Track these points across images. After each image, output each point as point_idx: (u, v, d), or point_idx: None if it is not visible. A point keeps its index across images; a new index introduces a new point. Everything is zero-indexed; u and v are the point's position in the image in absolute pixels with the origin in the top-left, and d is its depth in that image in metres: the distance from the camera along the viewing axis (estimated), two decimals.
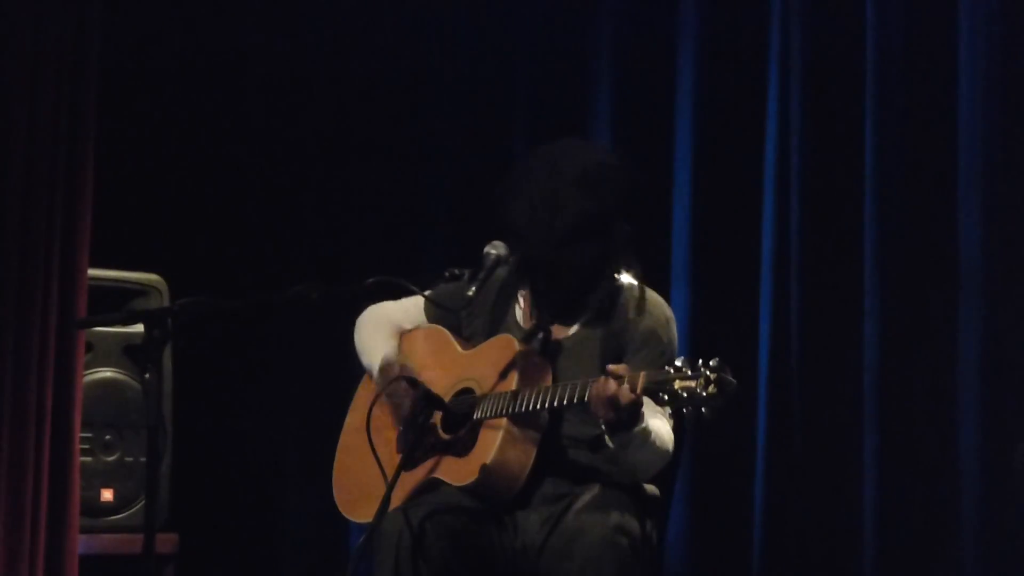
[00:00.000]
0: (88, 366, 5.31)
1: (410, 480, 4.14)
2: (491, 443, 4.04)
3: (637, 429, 3.91)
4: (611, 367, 3.86)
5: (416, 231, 6.06)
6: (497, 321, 4.27)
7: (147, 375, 3.81)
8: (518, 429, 4.05)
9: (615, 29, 5.79)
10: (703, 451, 5.34)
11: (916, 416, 5.09)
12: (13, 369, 5.09)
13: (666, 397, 3.74)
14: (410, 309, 4.41)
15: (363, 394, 4.38)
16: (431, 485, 4.13)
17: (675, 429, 4.07)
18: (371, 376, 4.33)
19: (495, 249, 4.20)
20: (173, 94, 6.07)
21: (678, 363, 3.76)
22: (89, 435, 5.30)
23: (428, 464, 4.16)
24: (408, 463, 4.09)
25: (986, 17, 5.06)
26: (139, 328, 3.88)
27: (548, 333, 4.20)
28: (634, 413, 3.86)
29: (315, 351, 5.91)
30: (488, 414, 4.08)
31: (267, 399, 6.10)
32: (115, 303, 5.35)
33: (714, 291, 5.50)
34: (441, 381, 4.18)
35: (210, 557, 5.83)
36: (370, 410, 4.18)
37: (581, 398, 3.92)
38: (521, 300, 4.29)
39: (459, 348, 4.27)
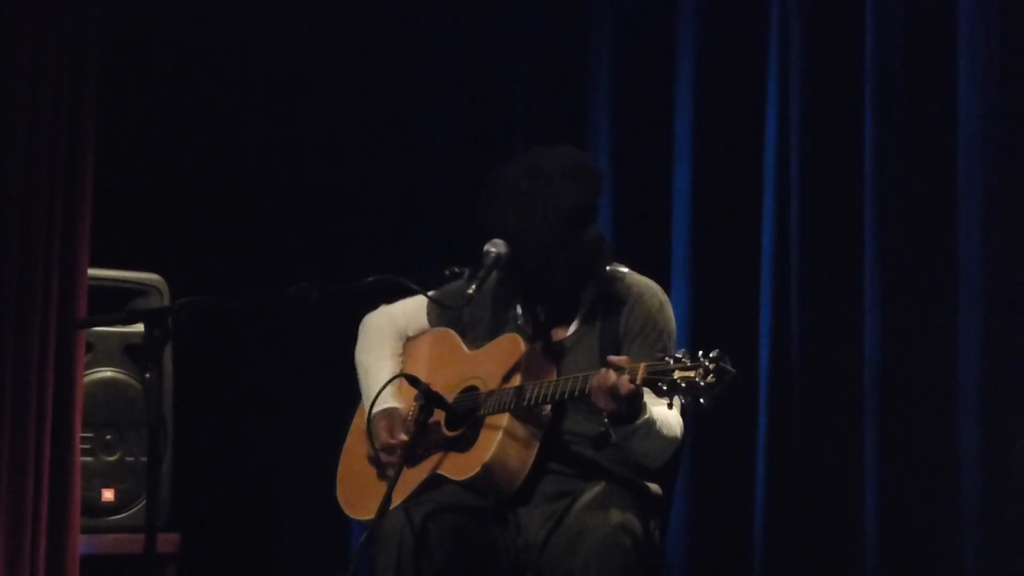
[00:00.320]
0: (88, 366, 5.31)
1: (413, 477, 4.15)
2: (492, 438, 4.05)
3: (640, 421, 3.92)
4: (611, 358, 3.88)
5: (416, 230, 6.06)
6: (499, 322, 4.28)
7: (147, 375, 3.80)
8: (520, 425, 4.07)
9: (614, 29, 5.79)
10: (704, 448, 5.35)
11: (916, 412, 5.09)
12: (13, 369, 5.08)
13: (665, 387, 3.75)
14: (413, 311, 4.42)
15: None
16: (434, 482, 4.13)
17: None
18: (363, 399, 4.35)
19: (495, 247, 4.19)
20: (172, 94, 6.08)
21: (678, 354, 3.77)
22: (90, 435, 5.29)
23: (431, 461, 4.17)
24: (409, 458, 4.10)
25: (985, 15, 5.06)
26: (139, 328, 3.88)
27: (548, 339, 4.22)
28: (635, 404, 3.88)
29: (315, 350, 5.91)
30: (491, 410, 4.09)
31: (268, 398, 6.10)
32: (115, 303, 5.34)
33: (714, 289, 5.51)
34: (447, 380, 4.20)
35: (211, 557, 5.83)
36: (369, 412, 4.20)
37: (583, 390, 3.93)
38: (520, 304, 4.30)
39: (465, 349, 4.29)
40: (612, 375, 3.84)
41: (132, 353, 5.38)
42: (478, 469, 4.04)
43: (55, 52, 5.17)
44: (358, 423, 4.40)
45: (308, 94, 6.15)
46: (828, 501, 5.23)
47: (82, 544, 5.18)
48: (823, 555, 5.24)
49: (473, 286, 4.15)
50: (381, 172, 6.12)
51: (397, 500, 4.05)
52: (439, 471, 4.13)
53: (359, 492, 4.28)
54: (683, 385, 3.73)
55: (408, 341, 4.42)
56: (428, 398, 4.10)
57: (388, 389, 4.24)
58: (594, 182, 4.18)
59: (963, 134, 5.08)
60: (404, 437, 4.15)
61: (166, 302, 5.33)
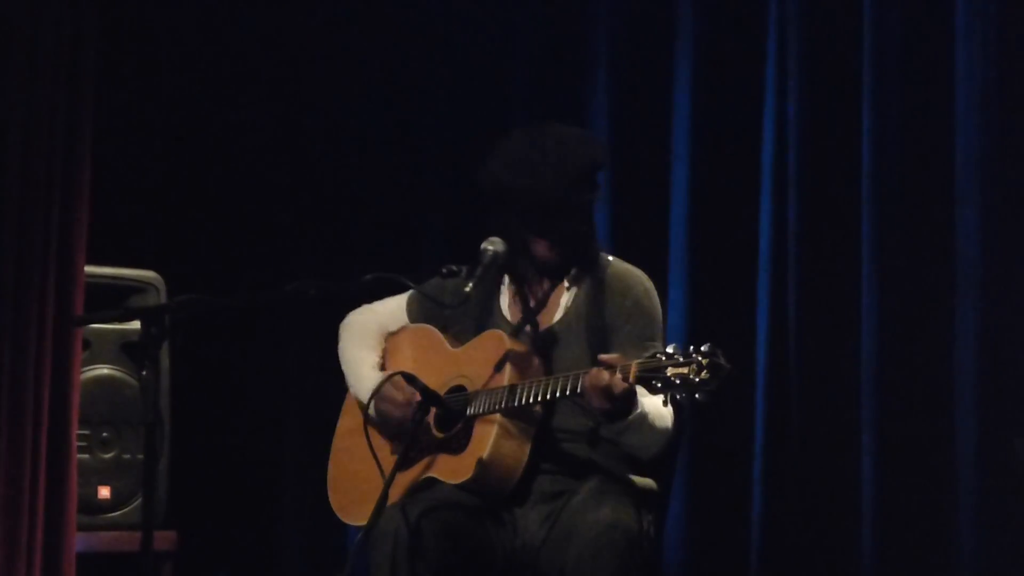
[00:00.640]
0: (85, 363, 5.31)
1: (406, 480, 4.14)
2: (486, 439, 4.04)
3: (633, 416, 3.92)
4: (603, 357, 3.87)
5: (414, 228, 6.06)
6: (484, 316, 4.27)
7: (144, 372, 3.80)
8: (512, 424, 4.06)
9: (612, 25, 5.79)
10: (701, 446, 5.35)
11: (913, 411, 5.09)
12: (10, 366, 5.08)
13: (659, 384, 3.75)
14: (394, 309, 4.41)
15: (353, 398, 4.39)
16: (427, 484, 4.13)
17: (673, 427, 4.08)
18: (354, 395, 4.33)
19: (492, 245, 4.20)
20: (170, 91, 6.07)
21: (670, 349, 3.76)
22: (86, 432, 5.29)
23: (423, 463, 4.16)
24: (404, 462, 4.09)
25: (983, 13, 5.06)
26: (136, 325, 3.88)
27: (536, 324, 4.20)
28: (629, 402, 3.88)
29: (313, 348, 5.91)
30: (481, 410, 4.08)
31: (265, 396, 6.10)
32: (112, 300, 5.34)
33: (712, 288, 5.50)
34: (432, 380, 4.17)
35: (208, 554, 5.83)
36: (365, 419, 4.19)
37: (574, 389, 3.92)
38: (506, 292, 4.29)
39: (448, 346, 4.28)
40: (605, 374, 3.84)
41: (129, 351, 5.38)
42: (473, 473, 4.03)
43: (53, 49, 5.17)
44: (346, 423, 4.39)
45: (305, 91, 6.15)
46: (825, 498, 5.22)
47: (79, 541, 5.18)
48: (820, 552, 5.23)
49: (471, 284, 4.15)
50: (379, 169, 6.11)
51: (391, 502, 4.03)
52: (433, 474, 4.12)
53: (353, 497, 4.27)
54: (677, 382, 3.73)
55: (388, 338, 4.40)
56: (426, 397, 4.09)
57: (369, 385, 4.23)
58: (599, 150, 4.22)
59: (960, 132, 5.08)
60: (418, 397, 4.11)
61: (163, 300, 5.33)
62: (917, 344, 5.11)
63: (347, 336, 4.43)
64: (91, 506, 5.28)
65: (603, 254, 4.28)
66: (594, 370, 3.87)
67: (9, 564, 5.04)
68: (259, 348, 6.10)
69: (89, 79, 5.24)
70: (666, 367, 3.75)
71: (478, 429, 4.09)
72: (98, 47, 5.27)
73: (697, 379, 3.71)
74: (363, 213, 6.11)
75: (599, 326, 4.16)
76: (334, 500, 4.35)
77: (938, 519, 5.03)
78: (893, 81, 5.20)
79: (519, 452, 4.06)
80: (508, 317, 4.25)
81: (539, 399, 4.00)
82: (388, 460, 4.17)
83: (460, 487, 4.07)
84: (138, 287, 5.42)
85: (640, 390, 3.86)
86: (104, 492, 5.32)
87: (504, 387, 4.06)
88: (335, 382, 4.44)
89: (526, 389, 4.02)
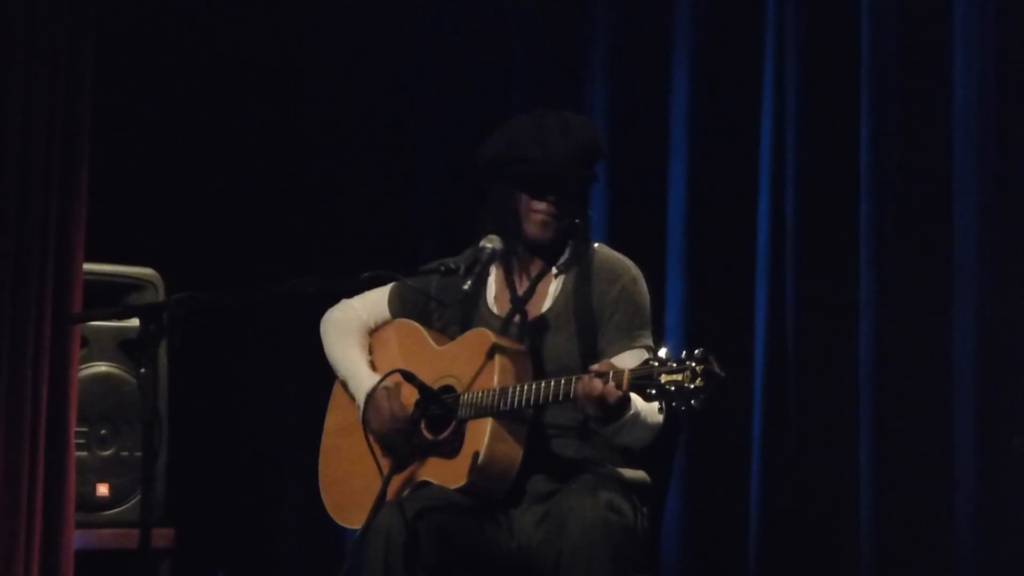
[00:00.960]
0: (83, 361, 5.30)
1: (399, 481, 4.12)
2: (479, 443, 4.02)
3: (626, 417, 3.91)
4: (594, 366, 3.87)
5: (412, 226, 6.06)
6: (470, 310, 4.26)
7: (143, 369, 3.79)
8: (504, 426, 4.04)
9: (611, 21, 5.79)
10: (699, 443, 5.34)
11: (912, 408, 5.09)
12: (8, 364, 5.08)
13: (653, 392, 3.74)
14: (376, 302, 4.39)
15: (340, 395, 4.37)
16: (420, 486, 4.12)
17: (666, 419, 4.07)
18: (344, 387, 4.32)
19: (491, 243, 4.19)
20: (168, 89, 6.07)
21: (662, 354, 3.75)
22: (85, 430, 5.29)
23: (416, 466, 4.14)
24: (400, 465, 4.08)
25: (981, 8, 5.06)
26: (135, 323, 3.88)
27: (524, 314, 4.19)
28: (623, 408, 3.87)
29: (311, 345, 5.88)
30: (472, 413, 4.06)
31: (263, 394, 6.10)
32: (110, 298, 5.34)
33: (710, 282, 5.51)
34: (420, 379, 4.15)
35: (206, 552, 5.83)
36: (364, 421, 4.18)
37: (567, 395, 3.91)
38: (493, 284, 4.28)
39: (434, 344, 4.25)
40: (598, 383, 3.83)
41: (127, 348, 5.37)
42: (467, 479, 4.02)
43: (51, 46, 5.16)
44: (335, 420, 4.37)
45: (303, 89, 6.15)
46: (823, 496, 5.22)
47: (77, 539, 5.18)
48: (818, 551, 5.23)
49: (468, 282, 4.15)
50: (377, 167, 6.11)
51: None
52: (426, 478, 4.11)
53: (347, 499, 4.25)
54: (671, 389, 3.72)
55: (372, 335, 4.39)
56: (425, 395, 4.08)
57: (367, 385, 4.22)
58: (600, 134, 4.23)
59: (959, 129, 5.08)
60: (409, 411, 4.11)
61: (161, 297, 5.32)
62: (915, 340, 5.11)
63: (331, 333, 4.40)
64: (89, 503, 5.28)
65: (592, 242, 4.27)
66: (586, 378, 3.86)
67: (8, 561, 5.03)
68: (257, 346, 6.09)
69: (87, 76, 5.23)
70: (659, 374, 3.74)
71: (471, 432, 4.07)
72: (96, 44, 5.27)
73: (691, 386, 3.70)
74: (361, 211, 6.10)
75: (587, 314, 4.15)
76: (328, 501, 4.32)
77: (936, 516, 5.03)
78: (891, 78, 5.20)
79: (513, 454, 4.05)
80: (495, 310, 4.24)
81: (530, 403, 3.99)
82: (381, 459, 4.16)
83: (456, 491, 4.06)
84: (136, 284, 5.42)
85: None
86: (102, 489, 5.31)
87: (495, 389, 4.04)
88: (333, 379, 4.43)
89: (517, 393, 3.99)
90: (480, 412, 4.04)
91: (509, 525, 4.07)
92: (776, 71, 5.43)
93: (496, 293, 4.26)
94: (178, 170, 6.07)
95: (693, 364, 3.70)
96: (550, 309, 4.20)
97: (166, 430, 5.36)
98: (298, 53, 6.13)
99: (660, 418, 3.99)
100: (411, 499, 4.03)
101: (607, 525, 3.88)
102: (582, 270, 4.20)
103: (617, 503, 3.96)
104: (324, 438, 4.38)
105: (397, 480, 4.12)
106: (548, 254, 4.23)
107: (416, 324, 4.30)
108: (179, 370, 5.43)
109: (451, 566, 3.98)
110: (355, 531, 4.07)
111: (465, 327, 4.22)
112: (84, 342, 5.31)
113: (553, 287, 4.22)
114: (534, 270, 4.25)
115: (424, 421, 4.12)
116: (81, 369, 5.28)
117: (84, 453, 5.29)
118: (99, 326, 5.36)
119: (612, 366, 3.85)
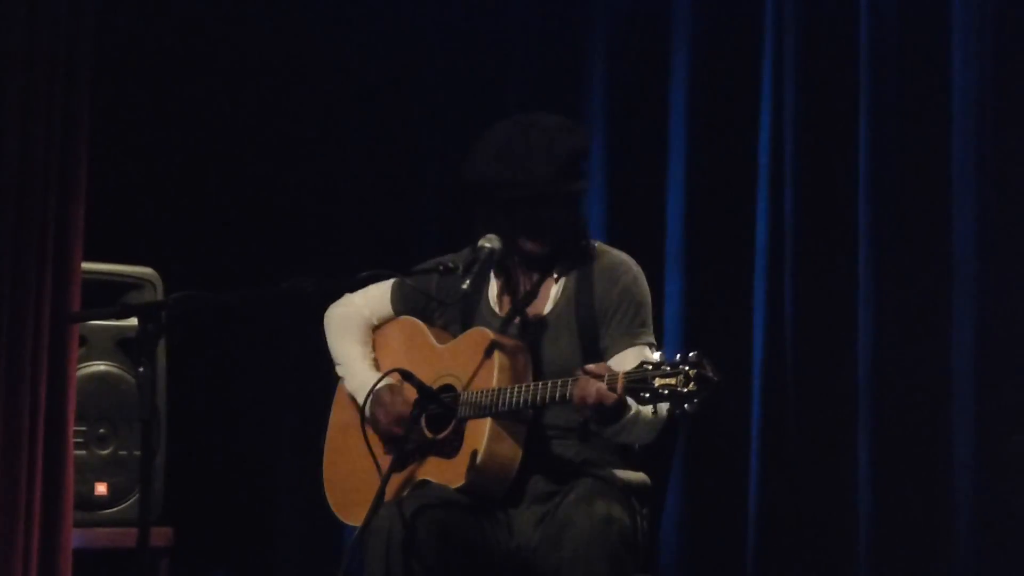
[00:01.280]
0: (82, 360, 5.30)
1: (399, 479, 4.13)
2: (478, 443, 4.02)
3: (625, 418, 3.91)
4: (589, 367, 3.87)
5: (411, 225, 6.06)
6: (471, 309, 4.25)
7: (141, 369, 3.79)
8: (503, 426, 4.04)
9: (610, 21, 5.79)
10: (697, 443, 5.35)
11: (910, 408, 5.09)
12: (7, 363, 5.07)
13: (647, 395, 3.74)
14: (378, 298, 4.39)
15: (344, 392, 4.37)
16: (420, 485, 4.12)
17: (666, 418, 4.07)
18: (351, 391, 4.32)
19: (490, 243, 4.19)
20: (166, 88, 6.07)
21: (656, 357, 3.75)
22: (83, 429, 5.29)
23: (416, 465, 4.15)
24: (399, 463, 4.08)
25: (979, 8, 5.06)
26: (133, 322, 3.86)
27: (525, 316, 4.19)
28: (620, 410, 3.87)
29: (310, 344, 5.89)
30: (471, 413, 4.06)
31: (262, 392, 6.09)
32: (109, 297, 5.33)
33: (708, 282, 5.51)
34: (421, 377, 4.15)
35: (205, 551, 5.83)
36: (363, 420, 4.17)
37: (563, 397, 3.91)
38: (494, 284, 4.27)
39: (435, 342, 4.25)
40: (594, 386, 3.82)
41: (126, 347, 5.37)
42: (466, 479, 4.02)
43: (50, 45, 5.16)
44: (339, 417, 4.37)
45: (302, 88, 6.15)
46: (822, 497, 5.23)
47: (75, 538, 5.17)
48: (816, 551, 5.23)
49: (468, 281, 4.15)
50: (376, 166, 6.11)
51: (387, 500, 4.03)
52: (426, 477, 4.11)
53: (350, 497, 4.25)
54: (665, 392, 3.71)
55: (375, 331, 4.39)
56: (424, 394, 4.08)
57: (366, 382, 4.22)
58: (584, 138, 4.20)
59: (957, 129, 5.08)
60: (408, 412, 4.10)
61: (160, 296, 5.32)
62: (913, 340, 5.11)
63: (334, 329, 4.40)
64: (88, 502, 5.28)
65: (591, 242, 4.26)
66: (582, 380, 3.86)
67: (6, 560, 5.03)
68: (256, 344, 6.09)
69: (86, 75, 5.23)
70: (654, 378, 3.73)
71: (470, 432, 4.07)
72: (95, 42, 5.26)
73: (685, 390, 3.69)
74: (360, 210, 6.10)
75: (589, 315, 4.15)
76: (332, 499, 4.33)
77: (935, 516, 5.03)
78: (890, 77, 5.20)
79: (512, 454, 4.05)
80: (497, 310, 4.24)
81: (528, 404, 3.99)
82: (381, 458, 4.16)
83: (455, 491, 4.06)
84: (135, 283, 5.41)
85: None
86: (101, 488, 5.31)
87: (493, 389, 4.04)
88: (332, 378, 4.43)
89: (515, 394, 3.99)
90: (479, 412, 4.04)
91: (509, 524, 4.07)
92: (775, 71, 5.43)
93: (498, 293, 4.26)
94: (177, 169, 6.07)
95: (687, 368, 3.70)
96: (551, 311, 4.20)
97: (164, 429, 5.36)
98: (298, 53, 6.12)
99: (663, 415, 3.99)
100: (411, 498, 4.03)
101: (607, 534, 3.89)
102: (583, 272, 4.20)
103: (617, 510, 3.96)
104: (329, 433, 4.39)
105: (397, 479, 4.12)
106: (546, 264, 4.23)
107: (419, 322, 4.31)
108: (177, 369, 5.43)
109: (451, 565, 3.97)
110: (353, 528, 4.08)
111: (466, 326, 4.22)
112: (83, 341, 5.31)
113: (555, 289, 4.22)
114: (535, 274, 4.24)
115: (425, 419, 4.12)
116: (79, 368, 5.27)
117: (82, 452, 5.29)
118: (98, 325, 5.36)
119: (608, 368, 3.85)
